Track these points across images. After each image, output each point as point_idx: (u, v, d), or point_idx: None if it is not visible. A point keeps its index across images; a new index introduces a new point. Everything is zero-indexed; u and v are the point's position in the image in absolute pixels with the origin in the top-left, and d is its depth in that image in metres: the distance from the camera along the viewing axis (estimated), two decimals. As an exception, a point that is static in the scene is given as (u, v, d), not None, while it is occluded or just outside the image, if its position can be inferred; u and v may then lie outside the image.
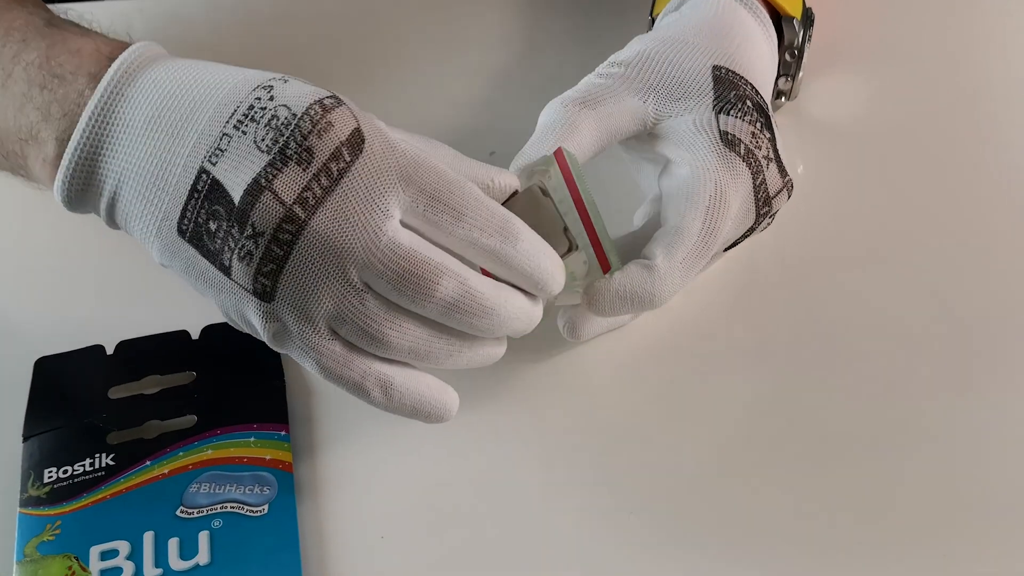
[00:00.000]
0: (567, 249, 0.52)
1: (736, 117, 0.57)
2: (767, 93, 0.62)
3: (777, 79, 0.67)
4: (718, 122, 0.56)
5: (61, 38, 0.51)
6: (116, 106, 0.48)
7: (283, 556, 0.52)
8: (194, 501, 0.54)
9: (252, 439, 0.56)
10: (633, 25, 0.69)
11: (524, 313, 0.50)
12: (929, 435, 0.57)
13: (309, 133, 0.46)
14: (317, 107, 0.46)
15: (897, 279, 0.63)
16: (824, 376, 0.59)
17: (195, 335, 0.60)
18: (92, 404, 0.58)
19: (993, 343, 0.60)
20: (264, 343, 0.50)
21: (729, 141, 0.56)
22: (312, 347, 0.49)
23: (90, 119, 0.48)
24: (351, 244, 0.46)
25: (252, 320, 0.49)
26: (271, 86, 0.47)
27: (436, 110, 0.72)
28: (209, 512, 0.53)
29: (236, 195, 0.46)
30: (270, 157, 0.46)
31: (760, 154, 0.57)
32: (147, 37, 0.52)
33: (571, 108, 0.57)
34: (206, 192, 0.47)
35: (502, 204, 0.51)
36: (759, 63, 0.62)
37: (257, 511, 0.53)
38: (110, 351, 0.60)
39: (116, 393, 0.58)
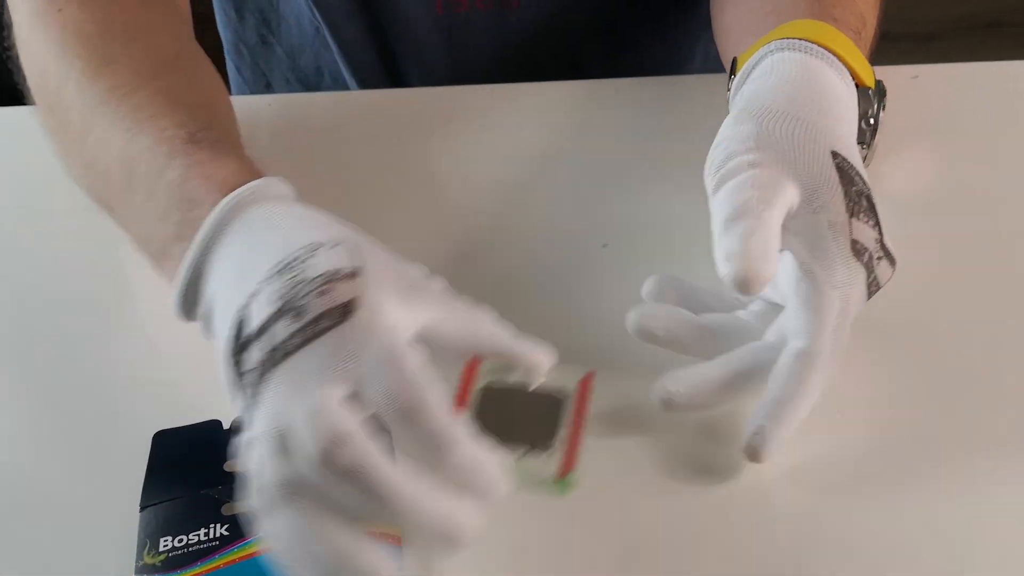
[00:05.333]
0: (535, 447, 0.54)
1: (864, 223, 0.57)
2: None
3: None
4: (851, 228, 0.56)
5: (199, 160, 0.58)
6: (216, 242, 0.55)
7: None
8: (305, 574, 0.53)
9: (364, 515, 0.56)
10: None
11: (438, 518, 0.47)
12: None
13: (309, 294, 0.50)
14: (325, 276, 0.51)
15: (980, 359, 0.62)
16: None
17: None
18: (208, 476, 0.58)
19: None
20: None
21: (857, 251, 0.56)
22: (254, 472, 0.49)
23: (196, 251, 0.55)
24: (294, 400, 0.49)
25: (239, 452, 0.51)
26: (317, 248, 0.52)
27: (546, 202, 0.73)
28: (318, 585, 0.53)
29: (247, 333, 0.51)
30: (278, 305, 0.50)
31: (875, 256, 0.57)
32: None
33: (766, 217, 0.55)
34: (236, 326, 0.52)
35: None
36: (853, 133, 0.62)
37: (366, 585, 0.53)
38: (226, 426, 0.61)
39: (232, 466, 0.59)
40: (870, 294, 0.58)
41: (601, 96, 0.80)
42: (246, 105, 0.85)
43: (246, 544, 0.55)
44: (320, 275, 0.51)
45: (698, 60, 0.97)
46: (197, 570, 0.54)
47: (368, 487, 0.47)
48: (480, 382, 0.53)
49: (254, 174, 0.58)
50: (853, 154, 0.59)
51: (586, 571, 0.54)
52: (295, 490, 0.47)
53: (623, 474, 0.58)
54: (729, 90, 0.67)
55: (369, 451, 0.47)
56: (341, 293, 0.50)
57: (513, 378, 0.55)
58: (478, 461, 0.48)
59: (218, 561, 0.54)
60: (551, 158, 0.76)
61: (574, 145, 0.77)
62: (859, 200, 0.57)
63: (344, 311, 0.50)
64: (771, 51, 0.64)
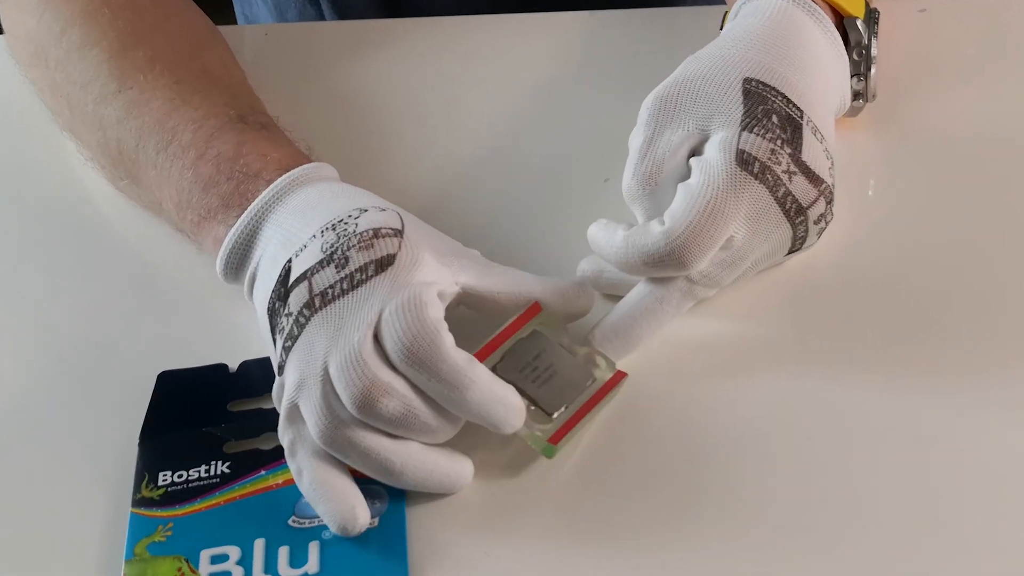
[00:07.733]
0: (540, 407, 0.55)
1: (756, 134, 0.58)
2: (827, 99, 0.63)
3: (852, 80, 0.67)
4: (739, 140, 0.58)
5: (252, 138, 0.62)
6: (269, 212, 0.59)
7: (391, 567, 0.52)
8: (306, 511, 0.54)
9: (366, 455, 0.56)
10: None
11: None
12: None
13: (352, 247, 0.54)
14: (371, 231, 0.55)
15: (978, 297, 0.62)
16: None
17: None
18: (211, 415, 0.58)
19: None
20: None
21: (744, 160, 0.57)
22: (310, 416, 0.53)
23: (249, 218, 0.59)
24: (331, 347, 0.53)
25: (275, 395, 0.55)
26: (366, 210, 0.57)
27: (548, 137, 0.73)
28: (320, 523, 0.53)
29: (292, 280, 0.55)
30: (322, 256, 0.54)
31: (779, 169, 0.58)
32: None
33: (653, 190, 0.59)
34: (280, 277, 0.56)
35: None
36: (815, 68, 0.63)
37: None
38: (233, 370, 0.61)
39: (236, 406, 0.59)
40: (792, 207, 0.58)
41: (603, 27, 0.79)
42: (243, 35, 0.85)
43: (247, 482, 0.55)
44: (365, 230, 0.55)
45: None
46: (197, 506, 0.54)
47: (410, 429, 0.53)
48: (530, 328, 0.57)
49: (304, 158, 0.62)
50: (785, 80, 0.60)
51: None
52: (335, 438, 0.52)
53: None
54: None
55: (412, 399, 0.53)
56: (382, 248, 0.54)
57: (564, 339, 0.58)
58: (491, 396, 0.53)
59: (218, 498, 0.55)
60: (553, 91, 0.76)
61: (577, 78, 0.76)
62: (763, 118, 0.58)
63: (383, 264, 0.54)
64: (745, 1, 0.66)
